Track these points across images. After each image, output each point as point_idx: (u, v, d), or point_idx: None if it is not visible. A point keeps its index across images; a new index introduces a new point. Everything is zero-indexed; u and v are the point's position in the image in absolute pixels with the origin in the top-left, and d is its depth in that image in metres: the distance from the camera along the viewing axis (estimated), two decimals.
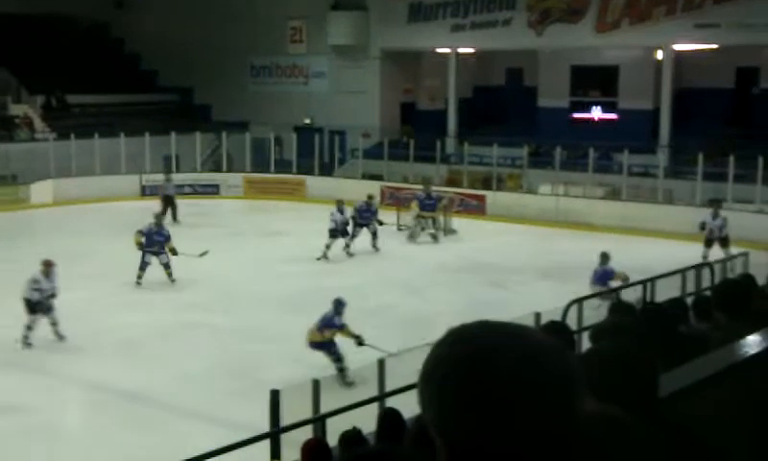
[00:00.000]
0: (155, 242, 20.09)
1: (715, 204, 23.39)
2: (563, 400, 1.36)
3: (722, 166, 26.33)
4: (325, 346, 13.46)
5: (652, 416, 2.43)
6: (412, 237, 25.09)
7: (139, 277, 19.78)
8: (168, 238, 20.26)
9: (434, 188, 27.14)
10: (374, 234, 23.44)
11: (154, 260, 19.94)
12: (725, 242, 21.36)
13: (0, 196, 29.91)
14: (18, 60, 35.17)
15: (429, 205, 25.62)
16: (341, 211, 23.13)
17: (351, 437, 6.50)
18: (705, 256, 19.85)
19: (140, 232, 20.30)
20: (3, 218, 27.57)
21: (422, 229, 25.25)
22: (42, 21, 37.37)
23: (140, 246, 20.04)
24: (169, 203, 28.35)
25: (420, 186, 26.72)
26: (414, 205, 25.57)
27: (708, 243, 21.47)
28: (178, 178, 31.64)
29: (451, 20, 33.34)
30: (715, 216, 22.18)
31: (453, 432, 1.36)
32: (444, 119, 34.39)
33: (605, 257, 17.24)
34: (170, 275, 19.95)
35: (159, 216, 21.53)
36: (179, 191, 30.05)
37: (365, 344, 13.36)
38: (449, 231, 25.74)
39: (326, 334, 13.57)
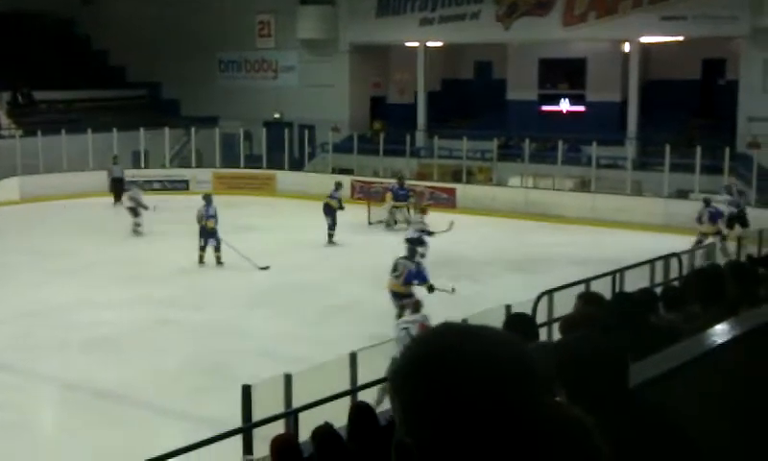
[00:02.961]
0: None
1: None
2: (521, 394, 1.37)
3: (689, 157, 26.56)
4: (405, 296, 14.79)
5: (622, 406, 2.45)
6: (388, 226, 25.54)
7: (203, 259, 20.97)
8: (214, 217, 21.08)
9: (406, 181, 27.42)
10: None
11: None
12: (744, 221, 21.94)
13: None
14: None
15: (402, 195, 26.30)
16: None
17: (323, 432, 6.50)
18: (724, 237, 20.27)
19: (212, 217, 21.03)
20: None
21: (395, 220, 25.55)
22: (7, 18, 36.98)
23: (213, 229, 20.94)
24: (117, 185, 29.95)
25: (393, 179, 27.04)
26: (388, 196, 26.00)
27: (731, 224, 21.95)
28: (147, 173, 31.64)
29: (420, 14, 33.37)
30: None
31: (418, 432, 1.38)
32: (414, 113, 34.42)
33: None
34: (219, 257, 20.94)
35: (208, 196, 22.04)
36: (148, 187, 30.37)
37: (435, 289, 15.37)
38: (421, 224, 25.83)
39: (412, 286, 15.13)
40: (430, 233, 20.63)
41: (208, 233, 20.98)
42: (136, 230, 24.51)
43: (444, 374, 1.36)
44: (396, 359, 1.45)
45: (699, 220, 21.61)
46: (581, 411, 1.76)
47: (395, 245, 23.34)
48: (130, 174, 30.54)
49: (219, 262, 20.97)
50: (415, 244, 18.26)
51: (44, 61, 36.38)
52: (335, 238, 23.44)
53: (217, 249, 20.99)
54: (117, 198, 29.72)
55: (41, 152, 31.27)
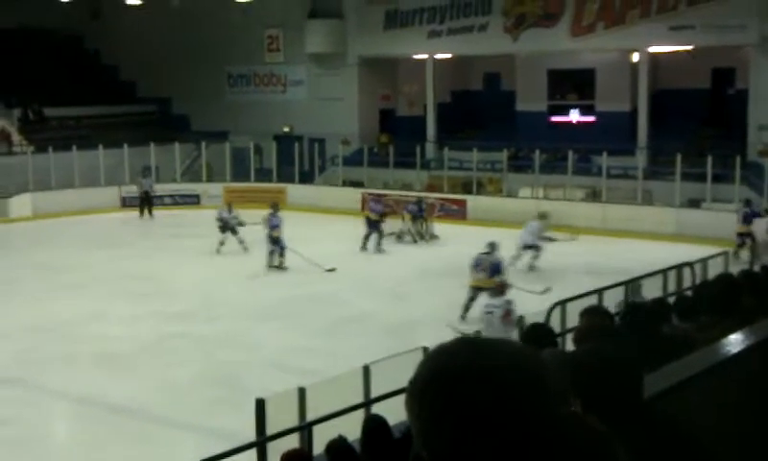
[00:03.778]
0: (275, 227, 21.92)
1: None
2: (538, 408, 1.39)
3: (700, 166, 26.50)
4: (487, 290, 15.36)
5: (636, 416, 2.45)
6: (399, 238, 25.57)
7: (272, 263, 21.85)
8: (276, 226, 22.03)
9: (413, 194, 27.54)
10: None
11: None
12: None
13: None
14: None
15: (420, 215, 26.25)
16: None
17: (337, 446, 6.50)
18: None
19: (276, 227, 21.96)
20: None
21: (410, 232, 25.63)
22: (17, 34, 37.19)
23: (276, 238, 21.86)
24: (146, 199, 30.50)
25: (407, 193, 27.10)
26: (407, 217, 26.01)
27: None
28: (158, 188, 31.81)
29: (428, 26, 33.41)
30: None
31: (435, 445, 1.40)
32: (424, 125, 34.45)
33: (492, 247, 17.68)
34: (277, 259, 21.81)
35: (275, 204, 23.16)
36: (159, 202, 30.82)
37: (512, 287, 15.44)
38: (431, 237, 25.84)
39: (497, 279, 15.66)
40: (551, 240, 20.78)
41: (273, 241, 21.86)
42: (219, 249, 23.63)
43: (461, 387, 1.38)
44: (414, 374, 1.46)
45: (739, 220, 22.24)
46: (597, 421, 1.77)
47: (405, 257, 23.44)
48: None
49: (282, 267, 21.80)
50: (535, 250, 19.99)
51: (54, 78, 36.57)
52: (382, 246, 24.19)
53: (281, 254, 21.83)
54: (143, 211, 30.39)
55: (53, 168, 31.41)
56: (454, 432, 1.37)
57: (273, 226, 22.00)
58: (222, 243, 23.57)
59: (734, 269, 10.20)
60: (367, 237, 24.22)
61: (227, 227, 23.79)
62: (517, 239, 21.37)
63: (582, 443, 1.56)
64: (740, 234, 21.93)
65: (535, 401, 1.39)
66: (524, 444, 1.37)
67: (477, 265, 16.94)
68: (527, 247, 20.86)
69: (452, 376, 1.40)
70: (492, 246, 17.34)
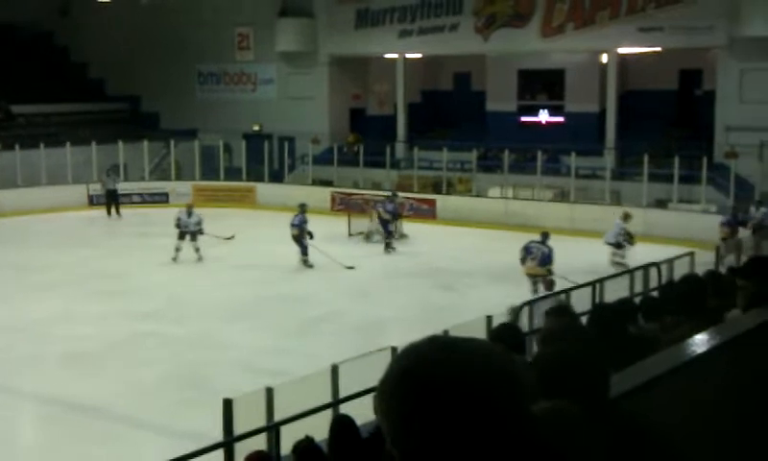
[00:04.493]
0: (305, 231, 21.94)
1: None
2: (509, 405, 1.39)
3: (667, 167, 26.72)
4: (538, 277, 16.55)
5: (603, 416, 2.46)
6: (368, 239, 25.55)
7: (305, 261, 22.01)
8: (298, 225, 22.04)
9: (400, 194, 27.44)
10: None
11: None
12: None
13: None
14: None
15: (392, 213, 25.91)
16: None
17: (304, 446, 6.49)
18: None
19: (294, 226, 22.03)
20: None
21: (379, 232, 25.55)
22: None
23: (301, 237, 21.90)
24: (112, 197, 30.23)
25: (388, 193, 26.95)
26: (375, 214, 25.80)
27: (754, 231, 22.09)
28: (126, 186, 31.60)
29: (399, 26, 33.44)
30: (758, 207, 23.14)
31: (404, 444, 1.39)
32: (394, 124, 34.47)
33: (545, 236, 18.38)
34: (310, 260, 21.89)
35: (303, 205, 22.76)
36: (127, 200, 30.66)
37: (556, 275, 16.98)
38: (400, 236, 25.83)
39: (548, 267, 16.94)
40: (630, 241, 20.79)
41: (295, 240, 21.98)
42: (176, 256, 22.74)
43: (431, 386, 1.38)
44: (384, 374, 1.46)
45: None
46: (566, 403, 1.78)
47: (375, 256, 23.45)
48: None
49: (307, 265, 21.96)
50: (616, 248, 20.53)
51: (22, 75, 36.21)
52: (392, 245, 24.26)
53: (303, 253, 21.94)
54: (110, 210, 30.10)
55: (20, 166, 31.10)
56: (425, 431, 1.37)
57: (291, 224, 22.15)
58: (178, 249, 22.60)
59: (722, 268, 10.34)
60: (389, 235, 24.31)
61: (185, 232, 22.80)
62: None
63: (552, 440, 1.57)
64: (723, 239, 21.79)
65: (507, 399, 1.39)
66: (496, 442, 1.37)
67: (529, 253, 17.83)
68: (609, 244, 21.02)
69: (423, 375, 1.40)
70: (545, 236, 18.18)
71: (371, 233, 25.76)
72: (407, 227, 26.40)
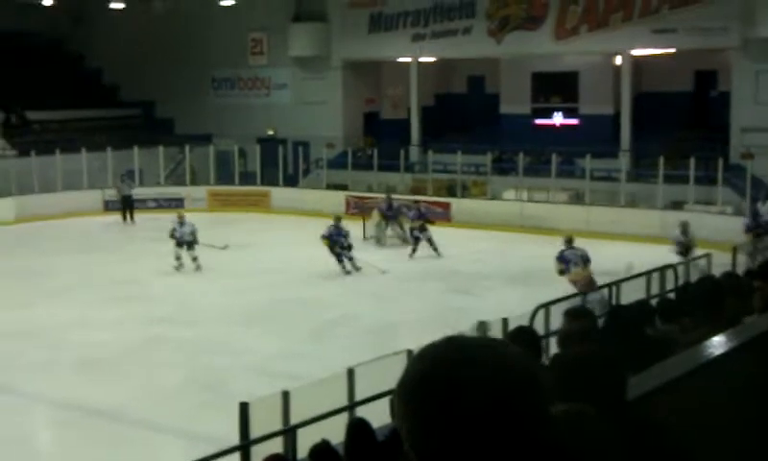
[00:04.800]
0: (336, 242, 21.82)
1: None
2: (529, 408, 1.38)
3: (683, 169, 26.62)
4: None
5: (620, 418, 2.45)
6: (379, 242, 25.35)
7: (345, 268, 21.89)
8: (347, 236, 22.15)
9: (395, 196, 27.41)
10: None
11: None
12: None
13: None
14: None
15: (390, 215, 26.04)
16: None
17: (321, 450, 6.49)
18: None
19: (324, 237, 21.87)
20: None
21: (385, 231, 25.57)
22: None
23: (329, 247, 21.83)
24: (127, 202, 30.30)
25: (383, 195, 27.03)
26: (375, 214, 25.87)
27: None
28: (141, 192, 31.70)
29: (412, 30, 33.43)
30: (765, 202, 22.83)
31: (424, 447, 1.38)
32: (408, 128, 34.46)
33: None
34: (348, 265, 21.85)
35: (339, 216, 22.73)
36: (142, 205, 30.76)
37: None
38: (403, 240, 25.69)
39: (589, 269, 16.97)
40: (683, 252, 20.71)
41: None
42: (178, 267, 22.48)
43: (452, 388, 1.37)
44: (402, 375, 1.45)
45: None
46: (584, 406, 1.78)
47: (388, 260, 23.41)
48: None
49: (346, 272, 21.92)
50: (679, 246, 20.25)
51: (37, 82, 36.33)
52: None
53: (339, 260, 21.87)
54: (126, 215, 30.16)
55: (36, 172, 31.25)
56: (445, 434, 1.36)
57: (322, 235, 21.99)
58: (178, 258, 22.30)
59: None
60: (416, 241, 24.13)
61: (181, 242, 22.46)
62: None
63: (570, 442, 1.56)
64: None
65: (527, 401, 1.38)
66: (516, 443, 1.37)
67: (568, 261, 17.86)
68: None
69: (443, 377, 1.39)
70: (570, 240, 18.48)
71: (379, 237, 25.73)
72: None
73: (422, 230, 24.14)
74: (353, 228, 25.59)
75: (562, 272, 17.81)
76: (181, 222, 22.71)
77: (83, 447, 11.69)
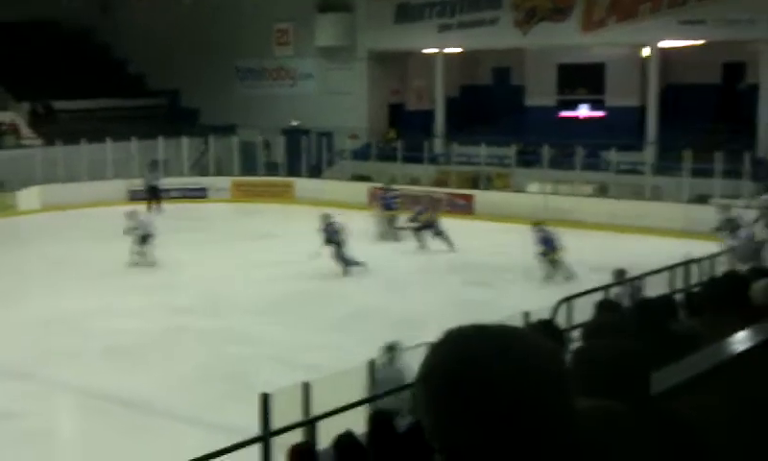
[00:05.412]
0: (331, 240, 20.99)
1: None
2: (556, 400, 1.35)
3: (709, 162, 26.39)
4: None
5: (645, 413, 2.41)
6: (384, 237, 25.27)
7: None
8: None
9: (395, 187, 27.54)
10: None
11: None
12: None
13: None
14: (3, 67, 35.02)
15: (389, 203, 26.03)
16: None
17: (346, 441, 6.48)
18: None
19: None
20: None
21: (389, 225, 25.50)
22: (27, 28, 37.24)
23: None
24: (153, 192, 30.48)
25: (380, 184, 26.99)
26: (376, 210, 25.97)
27: None
28: (165, 182, 31.80)
29: (438, 20, 33.34)
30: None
31: (448, 439, 1.35)
32: (433, 119, 34.39)
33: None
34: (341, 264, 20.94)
35: (327, 214, 21.86)
36: (166, 195, 30.85)
37: None
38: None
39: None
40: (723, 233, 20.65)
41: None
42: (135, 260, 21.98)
43: (483, 383, 1.33)
44: (425, 364, 1.40)
45: None
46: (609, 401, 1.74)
47: (410, 252, 23.36)
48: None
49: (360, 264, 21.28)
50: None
51: (63, 71, 36.57)
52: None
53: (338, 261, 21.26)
54: (150, 205, 30.17)
55: (61, 161, 31.43)
56: (473, 426, 1.33)
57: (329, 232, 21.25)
58: (140, 254, 21.79)
59: None
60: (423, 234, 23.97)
61: (145, 235, 21.97)
62: None
63: (598, 436, 1.53)
64: None
65: (558, 391, 1.35)
66: (544, 436, 1.33)
67: (551, 240, 19.77)
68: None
69: (476, 364, 1.35)
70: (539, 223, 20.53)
71: (384, 232, 25.53)
72: (444, 222, 26.25)
73: (429, 225, 23.93)
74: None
75: (545, 253, 19.24)
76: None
77: (104, 434, 11.75)
